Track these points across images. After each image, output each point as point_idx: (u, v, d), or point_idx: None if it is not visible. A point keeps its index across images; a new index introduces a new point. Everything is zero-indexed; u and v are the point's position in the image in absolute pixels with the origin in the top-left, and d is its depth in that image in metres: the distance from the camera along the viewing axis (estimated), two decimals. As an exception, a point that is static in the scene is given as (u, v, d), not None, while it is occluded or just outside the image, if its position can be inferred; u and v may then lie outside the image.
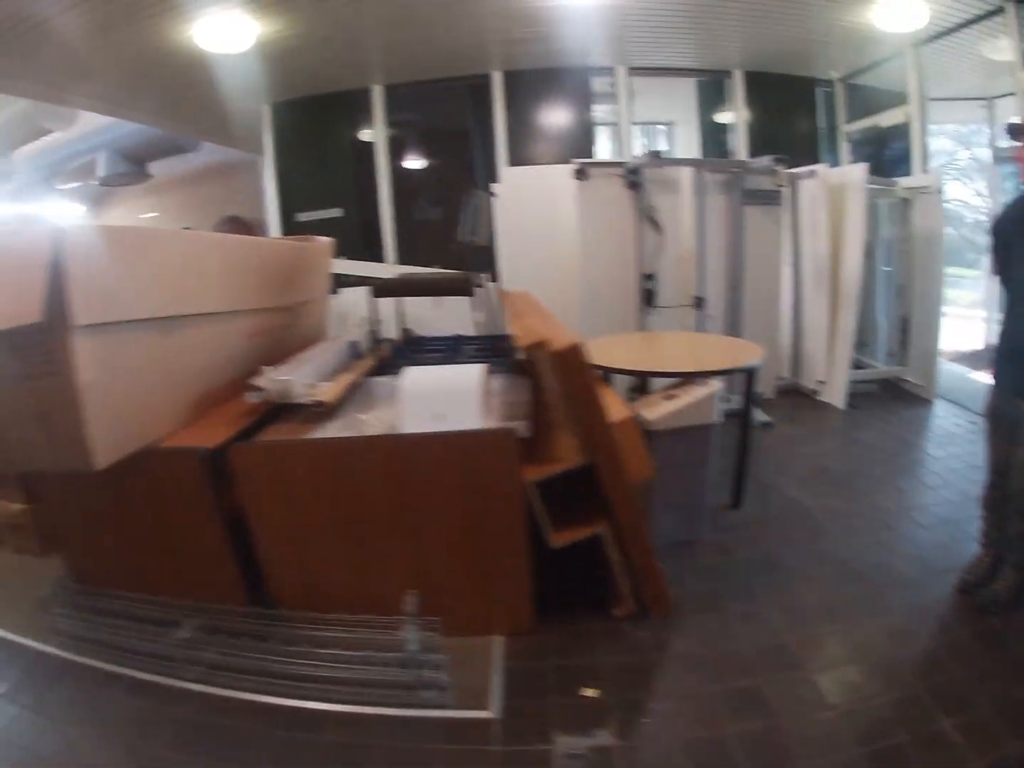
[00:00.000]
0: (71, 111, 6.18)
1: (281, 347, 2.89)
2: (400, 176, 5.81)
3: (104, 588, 2.62)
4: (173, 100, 5.59)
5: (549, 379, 2.19)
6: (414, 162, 5.87)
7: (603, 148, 5.88)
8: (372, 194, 5.75)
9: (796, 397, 4.84)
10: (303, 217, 5.86)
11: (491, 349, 2.87)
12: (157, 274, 2.22)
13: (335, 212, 5.73)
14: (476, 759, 1.89)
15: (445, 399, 2.10)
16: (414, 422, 2.06)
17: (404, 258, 5.66)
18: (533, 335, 1.99)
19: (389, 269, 5.28)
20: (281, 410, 2.38)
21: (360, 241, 5.80)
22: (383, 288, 3.16)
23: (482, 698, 2.05)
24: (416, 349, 3.01)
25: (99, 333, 1.96)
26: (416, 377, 2.19)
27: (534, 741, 1.91)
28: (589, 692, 2.04)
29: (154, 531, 2.34)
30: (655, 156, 4.09)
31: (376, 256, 5.67)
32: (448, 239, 5.56)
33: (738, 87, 5.85)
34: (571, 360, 1.87)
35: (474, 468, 2.03)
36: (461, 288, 3.15)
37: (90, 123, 6.62)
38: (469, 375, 2.17)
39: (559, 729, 1.93)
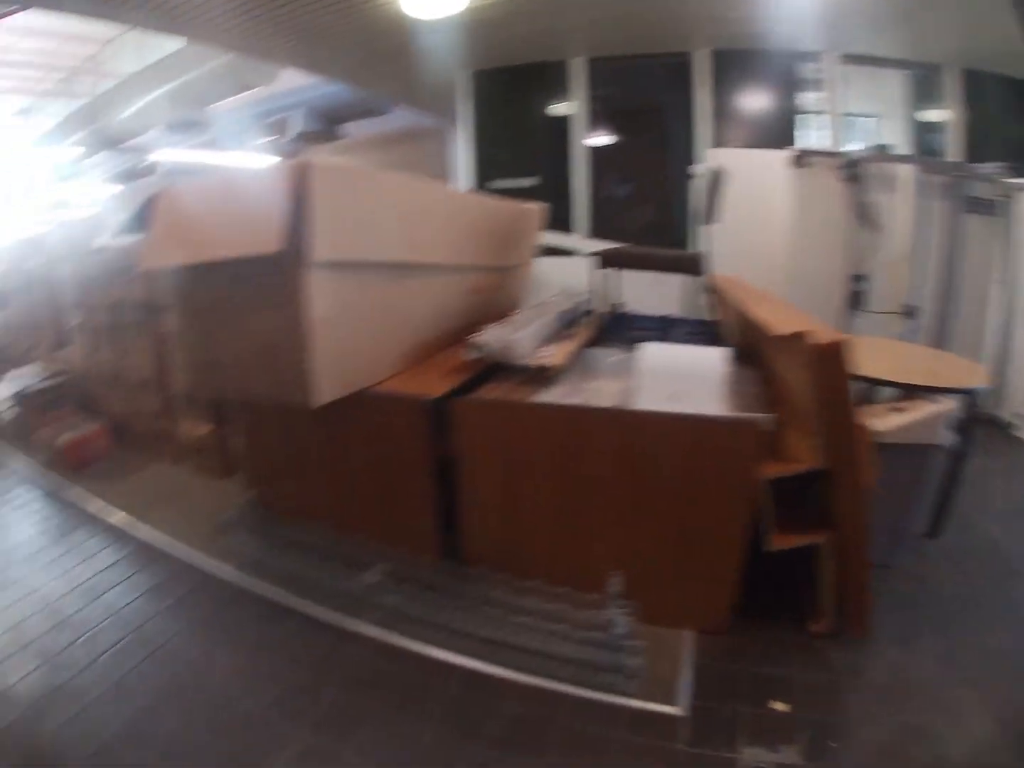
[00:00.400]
0: (273, 68, 6.45)
1: (491, 308, 2.90)
2: (592, 151, 5.69)
3: (292, 518, 2.72)
4: (372, 62, 5.72)
5: (791, 373, 2.07)
6: (606, 138, 5.73)
7: (805, 137, 5.52)
8: (565, 167, 5.68)
9: (990, 427, 4.41)
10: (496, 185, 5.85)
11: (704, 333, 2.75)
12: (392, 219, 2.25)
13: (529, 182, 5.71)
14: (658, 755, 1.85)
15: (685, 379, 2.03)
16: (649, 399, 2.00)
17: (594, 232, 5.54)
18: (790, 325, 1.87)
19: (589, 242, 5.16)
20: (496, 369, 2.38)
21: (551, 212, 5.65)
22: (611, 258, 3.04)
23: (670, 693, 2.00)
24: (627, 325, 2.92)
25: (334, 271, 1.99)
26: (655, 353, 2.12)
27: (719, 746, 1.86)
28: (778, 705, 1.95)
29: (360, 471, 2.41)
30: (880, 150, 3.80)
31: (565, 228, 5.58)
32: (636, 217, 5.45)
33: (952, 84, 5.36)
34: (833, 357, 1.75)
35: (707, 455, 1.95)
36: (690, 267, 3.01)
37: (289, 81, 6.91)
38: (711, 358, 2.08)
39: (746, 738, 1.86)
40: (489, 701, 2.07)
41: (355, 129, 7.66)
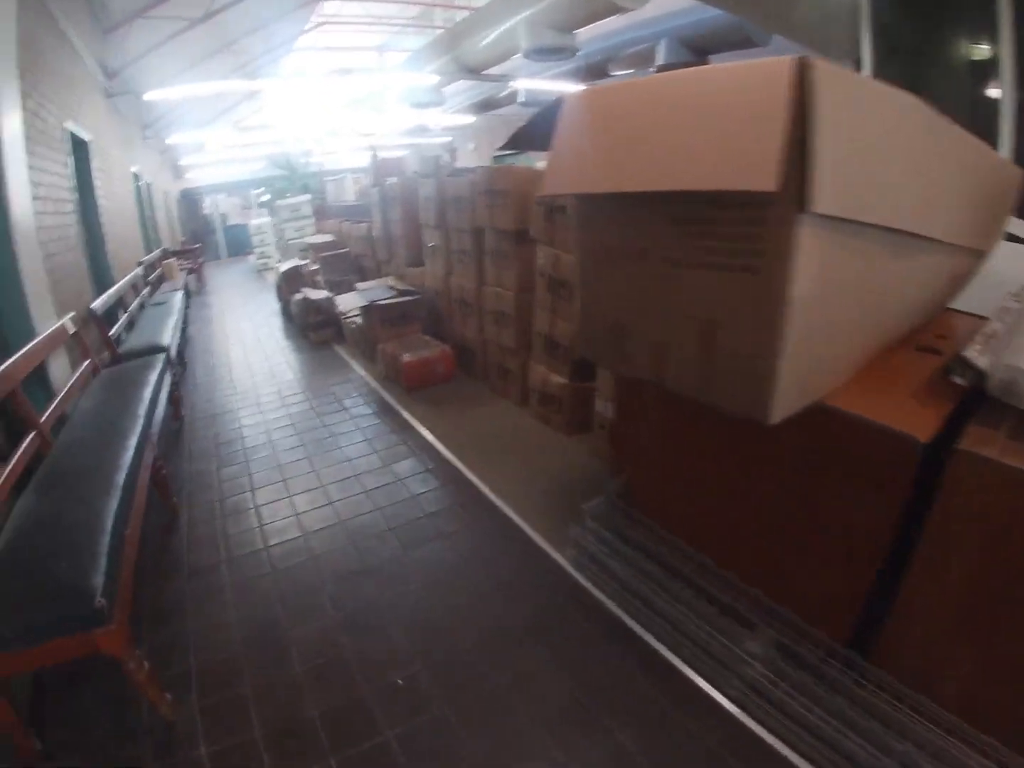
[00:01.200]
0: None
1: (938, 303, 2.15)
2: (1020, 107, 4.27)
3: (660, 525, 2.23)
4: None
5: None
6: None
7: None
8: (984, 124, 4.23)
9: None
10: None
11: None
12: (906, 165, 1.54)
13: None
14: None
15: None
16: None
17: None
18: None
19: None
20: (968, 400, 1.56)
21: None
22: None
23: None
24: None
25: (828, 231, 1.35)
26: None
27: None
28: None
29: (771, 501, 1.81)
30: None
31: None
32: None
33: None
34: None
35: None
36: None
37: (660, 6, 6.34)
38: None
39: None
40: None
41: (724, 61, 6.86)
